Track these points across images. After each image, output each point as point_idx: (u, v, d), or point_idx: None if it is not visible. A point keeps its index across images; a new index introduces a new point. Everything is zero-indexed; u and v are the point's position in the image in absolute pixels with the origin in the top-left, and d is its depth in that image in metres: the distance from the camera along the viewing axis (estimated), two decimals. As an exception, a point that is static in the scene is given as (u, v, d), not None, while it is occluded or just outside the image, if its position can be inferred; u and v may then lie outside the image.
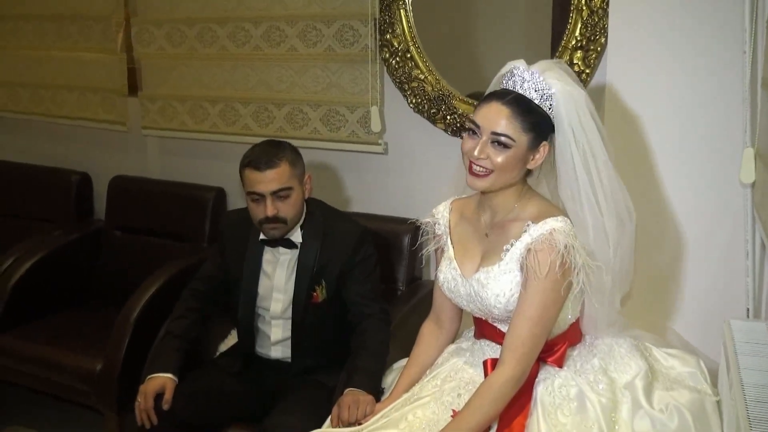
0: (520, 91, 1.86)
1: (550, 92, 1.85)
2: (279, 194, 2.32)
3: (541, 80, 1.85)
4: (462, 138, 1.92)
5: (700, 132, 2.27)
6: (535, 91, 1.85)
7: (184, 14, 3.24)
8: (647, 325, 2.25)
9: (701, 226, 2.32)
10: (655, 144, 2.32)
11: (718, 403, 1.97)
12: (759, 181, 2.09)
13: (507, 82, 1.90)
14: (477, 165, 1.86)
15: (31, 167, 3.78)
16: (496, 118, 1.83)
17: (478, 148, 1.85)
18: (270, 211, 2.31)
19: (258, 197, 2.33)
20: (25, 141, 3.96)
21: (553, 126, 1.87)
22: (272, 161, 2.32)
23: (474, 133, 1.87)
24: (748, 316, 2.24)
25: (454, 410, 1.92)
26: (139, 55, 3.40)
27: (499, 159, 1.84)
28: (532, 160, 1.88)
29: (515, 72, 1.89)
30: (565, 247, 1.82)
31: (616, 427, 1.87)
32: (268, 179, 2.30)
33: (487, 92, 1.96)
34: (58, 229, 3.47)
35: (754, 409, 1.52)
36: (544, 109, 1.86)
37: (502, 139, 1.83)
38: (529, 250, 1.85)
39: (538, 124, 1.85)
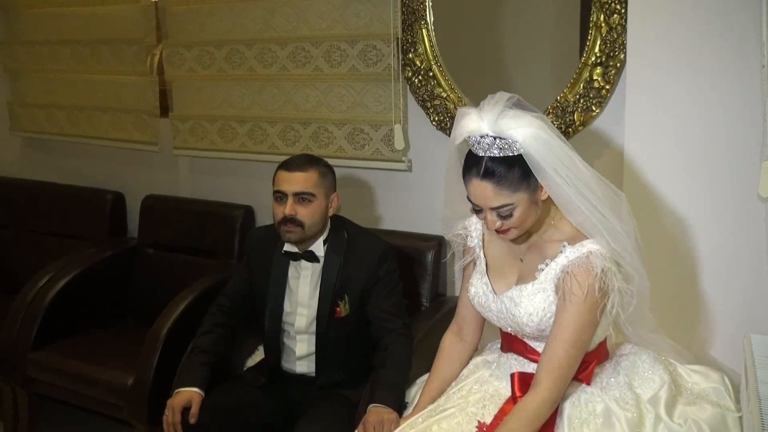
0: (489, 154, 1.83)
1: (516, 144, 1.81)
2: (301, 196, 2.36)
3: (501, 140, 1.82)
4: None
5: (721, 145, 2.27)
6: (500, 150, 1.82)
7: (213, 37, 3.31)
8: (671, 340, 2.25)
9: (724, 240, 2.31)
10: (676, 157, 2.32)
11: (741, 418, 1.96)
12: (778, 194, 2.09)
13: (473, 147, 1.87)
14: (499, 230, 1.90)
15: (67, 187, 3.87)
16: (485, 196, 1.85)
17: (490, 221, 1.88)
18: (288, 210, 2.35)
19: (281, 196, 2.38)
20: (62, 161, 4.06)
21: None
22: (303, 165, 2.39)
23: (479, 210, 1.89)
24: (771, 330, 2.22)
25: (479, 421, 1.92)
26: (170, 76, 3.48)
27: (513, 220, 1.87)
28: (542, 195, 1.88)
29: (472, 140, 1.86)
30: (602, 270, 1.83)
31: None
32: (294, 180, 2.36)
33: (464, 162, 1.90)
34: (92, 247, 3.53)
35: (770, 423, 1.52)
36: (517, 155, 1.82)
37: (504, 210, 1.85)
38: (566, 273, 1.86)
39: (525, 171, 1.83)
